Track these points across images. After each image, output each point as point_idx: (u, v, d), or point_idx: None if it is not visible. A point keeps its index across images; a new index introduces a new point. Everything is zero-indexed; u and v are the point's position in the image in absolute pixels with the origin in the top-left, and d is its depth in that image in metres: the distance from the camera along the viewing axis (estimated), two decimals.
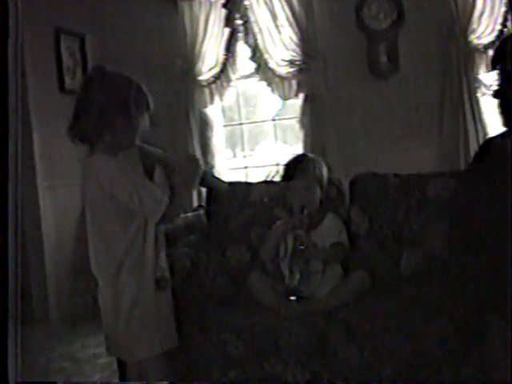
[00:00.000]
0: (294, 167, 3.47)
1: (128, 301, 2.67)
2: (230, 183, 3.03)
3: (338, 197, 3.64)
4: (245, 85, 5.89)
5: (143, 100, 2.67)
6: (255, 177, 5.64)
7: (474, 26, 4.88)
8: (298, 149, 5.53)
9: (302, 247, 3.22)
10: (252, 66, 5.52)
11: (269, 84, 5.40)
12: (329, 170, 3.77)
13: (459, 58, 4.93)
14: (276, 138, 5.92)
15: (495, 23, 4.85)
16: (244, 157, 6.00)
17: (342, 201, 3.64)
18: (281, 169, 3.58)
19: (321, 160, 3.57)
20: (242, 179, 5.74)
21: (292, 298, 3.18)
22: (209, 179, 2.94)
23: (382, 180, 3.63)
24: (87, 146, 2.67)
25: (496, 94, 2.53)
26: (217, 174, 5.43)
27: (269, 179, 3.94)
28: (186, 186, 2.76)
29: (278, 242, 3.37)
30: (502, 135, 2.57)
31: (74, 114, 2.64)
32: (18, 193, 2.03)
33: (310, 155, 3.66)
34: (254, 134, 6.14)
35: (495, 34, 4.85)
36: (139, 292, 2.68)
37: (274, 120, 5.89)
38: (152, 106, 2.70)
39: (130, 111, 2.61)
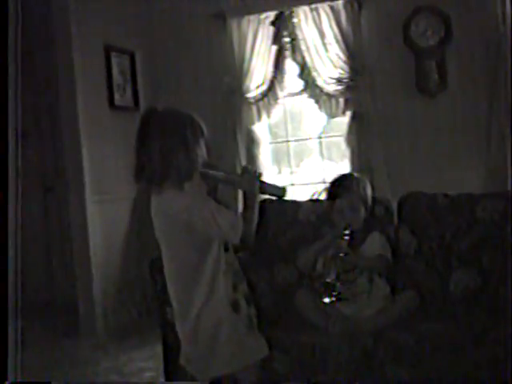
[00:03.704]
0: (338, 186, 3.49)
1: (208, 326, 2.75)
2: (284, 188, 3.05)
3: (386, 216, 3.62)
4: (291, 102, 5.90)
5: (198, 130, 2.75)
6: (301, 194, 5.64)
7: None
8: (343, 166, 5.53)
9: (341, 254, 3.21)
10: (299, 83, 5.54)
11: (316, 101, 5.43)
12: (375, 188, 3.77)
13: (507, 75, 4.87)
14: (321, 155, 5.92)
15: None
16: (290, 173, 6.01)
17: (389, 220, 3.63)
18: (326, 187, 3.60)
19: (365, 179, 3.57)
20: (288, 196, 5.74)
21: (326, 300, 3.16)
22: (265, 185, 2.97)
23: (432, 199, 3.61)
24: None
25: None
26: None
27: (315, 197, 3.94)
28: (251, 199, 2.82)
29: (316, 254, 3.38)
30: None
31: (136, 160, 2.73)
32: (19, 192, 2.07)
33: (355, 174, 3.66)
34: (299, 151, 6.15)
35: None
36: (218, 317, 2.75)
37: (320, 138, 5.89)
38: (206, 132, 2.78)
39: (189, 145, 2.69)
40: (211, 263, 2.74)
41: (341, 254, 3.20)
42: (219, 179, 2.87)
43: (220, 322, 2.75)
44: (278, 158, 6.07)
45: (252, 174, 2.88)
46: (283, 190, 2.96)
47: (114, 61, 5.54)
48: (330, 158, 6.03)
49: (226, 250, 2.83)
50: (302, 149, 6.25)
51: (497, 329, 2.98)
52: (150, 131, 2.72)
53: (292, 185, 5.94)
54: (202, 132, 2.78)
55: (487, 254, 3.42)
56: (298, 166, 6.20)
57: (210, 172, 2.83)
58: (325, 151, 5.93)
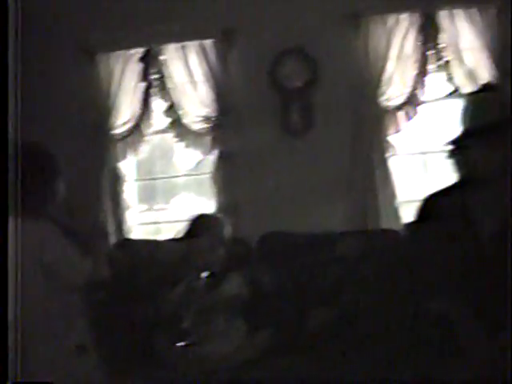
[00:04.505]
0: (197, 226, 3.49)
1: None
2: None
3: (246, 255, 3.64)
4: (160, 138, 5.83)
5: (56, 166, 2.72)
6: (168, 232, 5.58)
7: (384, 88, 5.01)
8: (212, 204, 5.52)
9: (199, 296, 3.22)
10: (166, 121, 5.50)
11: (182, 140, 5.40)
12: (239, 227, 3.77)
13: (370, 118, 5.04)
14: (191, 192, 5.89)
15: (405, 86, 5.00)
16: (157, 211, 5.94)
17: (249, 259, 3.64)
18: (186, 227, 3.59)
19: (225, 218, 3.59)
20: (155, 234, 5.68)
21: (181, 344, 3.15)
22: None
23: (291, 238, 3.66)
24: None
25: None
26: (128, 231, 5.35)
27: (177, 237, 3.91)
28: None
29: (175, 297, 3.36)
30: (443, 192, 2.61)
31: None
32: (18, 193, 2.03)
33: (214, 214, 3.67)
34: (168, 188, 6.09)
35: (405, 96, 5.00)
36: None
37: (189, 175, 5.85)
38: (63, 170, 2.74)
39: (47, 178, 2.66)
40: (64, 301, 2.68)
41: (198, 296, 3.20)
42: (63, 227, 2.83)
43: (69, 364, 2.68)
44: (146, 196, 5.98)
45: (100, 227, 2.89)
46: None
47: None
48: (200, 195, 6.00)
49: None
50: (171, 186, 6.19)
51: (356, 362, 3.04)
52: (7, 162, 2.66)
53: (157, 223, 5.86)
54: (60, 171, 2.75)
55: (346, 290, 3.48)
56: (167, 203, 6.14)
57: (56, 217, 2.79)
58: (195, 188, 5.90)
